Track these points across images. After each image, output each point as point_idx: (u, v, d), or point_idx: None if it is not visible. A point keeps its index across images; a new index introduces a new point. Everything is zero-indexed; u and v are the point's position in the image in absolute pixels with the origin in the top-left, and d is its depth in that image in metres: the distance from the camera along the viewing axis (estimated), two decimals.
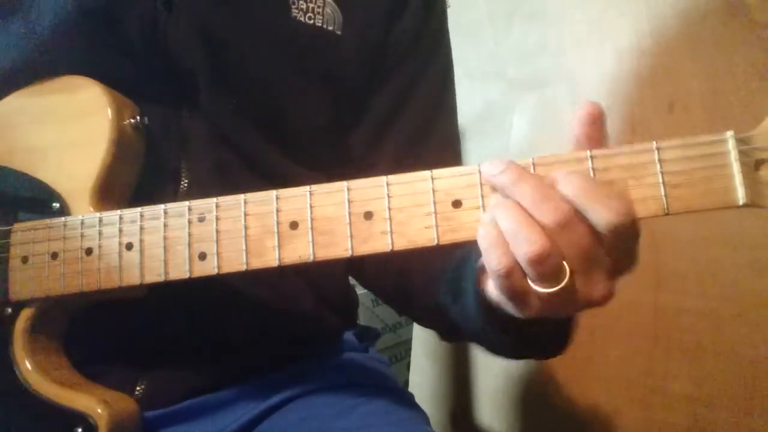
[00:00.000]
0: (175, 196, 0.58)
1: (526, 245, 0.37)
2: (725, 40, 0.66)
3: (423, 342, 1.28)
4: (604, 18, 0.83)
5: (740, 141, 0.40)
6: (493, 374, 1.08)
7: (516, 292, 0.40)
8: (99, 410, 0.50)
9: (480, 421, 1.12)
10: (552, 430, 0.94)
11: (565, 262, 0.38)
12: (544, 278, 0.38)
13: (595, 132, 0.41)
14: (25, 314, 0.52)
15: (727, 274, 0.67)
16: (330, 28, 0.61)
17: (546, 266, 0.38)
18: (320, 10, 0.61)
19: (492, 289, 0.42)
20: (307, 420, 0.60)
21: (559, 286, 0.38)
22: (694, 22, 0.70)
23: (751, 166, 0.40)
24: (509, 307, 0.41)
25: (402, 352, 1.60)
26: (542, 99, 0.95)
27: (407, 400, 0.70)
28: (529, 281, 0.39)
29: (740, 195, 0.39)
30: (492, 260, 0.39)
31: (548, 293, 0.38)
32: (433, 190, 0.43)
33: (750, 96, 0.64)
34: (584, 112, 0.41)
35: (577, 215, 0.38)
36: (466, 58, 1.14)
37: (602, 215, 0.38)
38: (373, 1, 0.64)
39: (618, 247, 0.39)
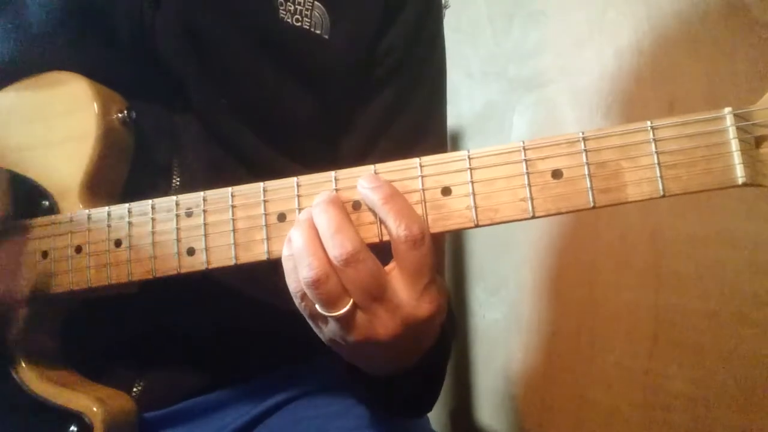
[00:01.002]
0: (167, 194, 0.57)
1: (304, 270, 0.41)
2: (725, 40, 0.66)
3: None
4: (604, 18, 0.83)
5: (739, 117, 0.38)
6: (493, 374, 1.08)
7: (311, 314, 0.43)
8: (94, 408, 0.50)
9: (480, 421, 1.12)
10: (552, 430, 0.94)
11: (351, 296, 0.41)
12: (322, 303, 0.41)
13: None
14: (19, 313, 0.52)
15: (727, 274, 0.66)
16: (317, 31, 0.61)
17: (322, 292, 0.41)
18: (308, 12, 0.60)
19: None
20: (306, 420, 0.60)
21: (337, 313, 0.41)
22: (694, 22, 0.70)
23: (752, 144, 0.38)
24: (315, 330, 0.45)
25: None
26: (542, 99, 0.95)
27: None
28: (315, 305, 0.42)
29: (739, 174, 0.38)
30: (291, 283, 0.43)
31: (330, 316, 0.41)
32: (422, 177, 0.43)
33: (750, 96, 0.63)
34: None
35: (364, 253, 0.41)
36: (466, 58, 1.14)
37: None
38: (363, 7, 0.64)
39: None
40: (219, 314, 0.59)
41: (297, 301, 0.43)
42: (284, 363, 0.65)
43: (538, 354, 0.97)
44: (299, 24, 0.60)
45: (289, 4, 0.60)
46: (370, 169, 0.44)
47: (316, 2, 0.61)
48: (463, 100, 1.16)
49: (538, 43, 0.96)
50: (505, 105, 1.04)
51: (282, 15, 0.59)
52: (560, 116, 0.91)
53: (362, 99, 0.65)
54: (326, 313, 0.41)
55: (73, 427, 0.50)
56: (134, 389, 0.57)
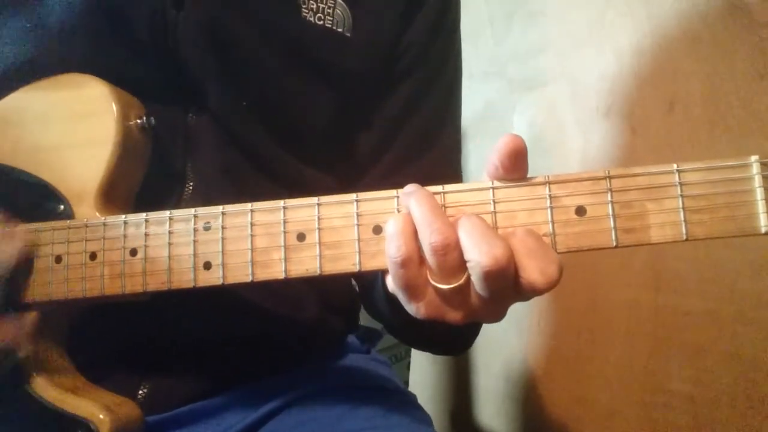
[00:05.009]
0: (179, 199, 0.57)
1: (435, 234, 0.39)
2: (725, 40, 0.66)
3: None
4: (604, 18, 0.83)
5: (765, 165, 0.38)
6: (493, 374, 1.09)
7: (410, 284, 0.41)
8: (101, 416, 0.50)
9: (480, 421, 1.12)
10: (552, 431, 0.94)
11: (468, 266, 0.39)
12: (444, 270, 0.39)
13: (516, 165, 0.41)
14: (29, 318, 0.52)
15: (727, 274, 0.66)
16: (339, 29, 0.61)
17: (449, 258, 0.39)
18: (330, 11, 0.60)
19: (388, 281, 0.43)
20: (308, 423, 0.60)
21: (457, 284, 0.39)
22: (694, 22, 0.70)
23: None
24: (403, 301, 0.42)
25: (402, 352, 1.60)
26: (542, 99, 0.95)
27: (410, 402, 0.70)
28: (429, 277, 0.40)
29: (763, 223, 0.38)
30: (391, 248, 0.40)
31: (445, 289, 0.40)
32: (444, 206, 0.42)
33: (750, 96, 0.63)
34: (507, 146, 0.40)
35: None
36: (466, 58, 1.14)
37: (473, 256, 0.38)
38: (385, 4, 0.63)
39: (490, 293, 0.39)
40: (222, 319, 0.59)
41: (394, 269, 0.41)
42: (286, 367, 0.65)
43: (538, 354, 0.97)
44: (321, 23, 0.60)
45: (311, 2, 0.59)
46: (391, 192, 0.43)
47: (338, 0, 0.61)
48: (463, 100, 1.16)
49: (538, 43, 0.96)
50: (505, 105, 1.04)
51: (304, 14, 0.59)
52: (560, 116, 0.91)
53: (381, 96, 0.65)
54: (441, 286, 0.39)
55: None
56: (140, 392, 0.57)
